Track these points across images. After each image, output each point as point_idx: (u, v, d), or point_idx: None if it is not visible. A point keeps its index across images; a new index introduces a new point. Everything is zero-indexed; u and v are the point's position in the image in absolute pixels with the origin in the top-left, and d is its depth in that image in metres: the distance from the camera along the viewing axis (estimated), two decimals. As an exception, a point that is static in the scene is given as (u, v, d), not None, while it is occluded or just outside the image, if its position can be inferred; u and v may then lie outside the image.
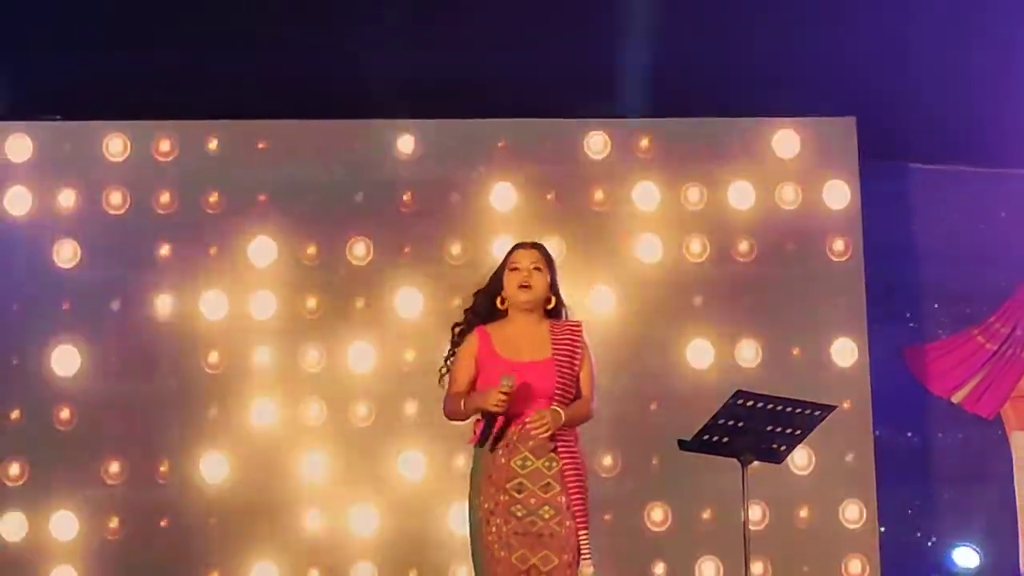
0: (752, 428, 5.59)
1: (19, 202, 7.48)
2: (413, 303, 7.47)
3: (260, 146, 7.55)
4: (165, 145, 7.52)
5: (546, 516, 5.04)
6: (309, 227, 7.50)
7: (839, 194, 7.60)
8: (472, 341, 5.20)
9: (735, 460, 5.66)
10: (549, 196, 7.56)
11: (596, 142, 7.62)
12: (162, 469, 7.36)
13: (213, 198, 7.51)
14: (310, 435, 7.39)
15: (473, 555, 5.09)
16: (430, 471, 7.36)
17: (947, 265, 7.92)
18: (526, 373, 5.07)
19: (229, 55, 7.40)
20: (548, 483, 5.07)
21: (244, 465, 7.36)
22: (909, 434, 7.85)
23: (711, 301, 7.53)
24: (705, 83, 7.50)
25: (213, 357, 7.42)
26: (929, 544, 7.79)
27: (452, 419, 5.25)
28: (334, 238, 7.50)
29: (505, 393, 4.94)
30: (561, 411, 5.07)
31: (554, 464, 5.08)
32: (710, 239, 7.58)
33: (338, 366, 7.44)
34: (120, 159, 7.53)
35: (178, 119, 7.53)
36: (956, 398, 7.90)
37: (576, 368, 5.18)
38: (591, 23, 7.57)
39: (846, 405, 7.23)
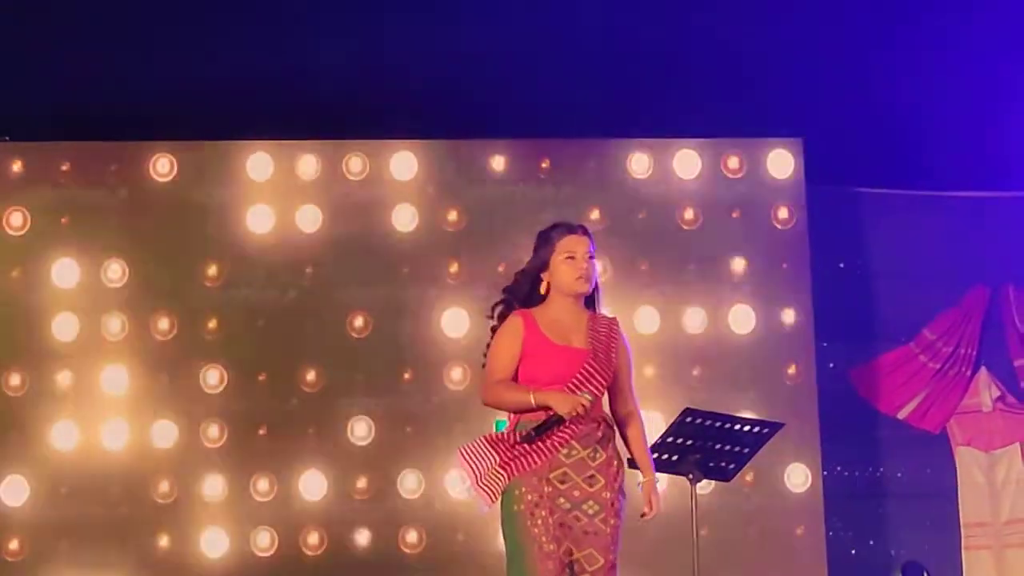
0: (700, 446, 5.65)
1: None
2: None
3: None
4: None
5: (590, 512, 4.83)
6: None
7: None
8: (516, 325, 4.95)
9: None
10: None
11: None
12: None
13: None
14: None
15: (514, 547, 4.80)
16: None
17: (892, 287, 8.04)
18: (578, 360, 4.91)
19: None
20: (593, 475, 4.85)
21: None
22: (856, 458, 7.95)
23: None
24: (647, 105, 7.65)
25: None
26: (878, 559, 7.90)
27: (494, 407, 5.02)
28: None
29: (584, 407, 4.76)
30: (652, 476, 4.94)
31: (599, 455, 4.87)
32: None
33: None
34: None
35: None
36: (902, 414, 8.00)
37: (614, 362, 4.97)
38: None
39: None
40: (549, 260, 5.00)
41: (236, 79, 7.54)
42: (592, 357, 4.93)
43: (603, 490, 4.86)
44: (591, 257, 5.01)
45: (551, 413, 4.82)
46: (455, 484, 7.32)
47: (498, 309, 5.08)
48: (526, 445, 4.83)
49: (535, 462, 4.84)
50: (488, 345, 5.06)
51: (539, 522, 4.79)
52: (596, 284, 5.05)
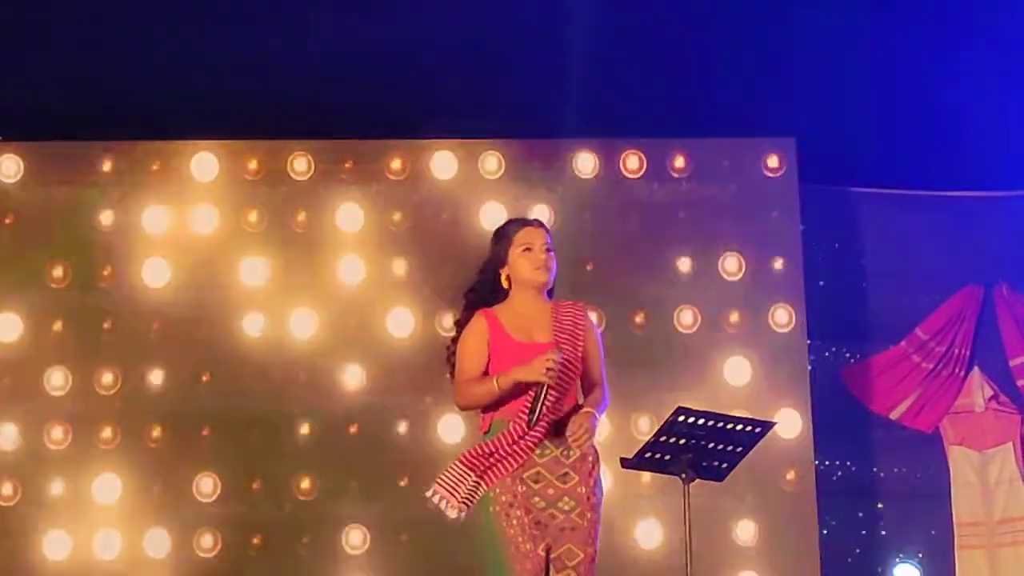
0: (693, 445, 5.62)
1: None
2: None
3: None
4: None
5: (566, 508, 4.86)
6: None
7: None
8: (480, 325, 4.95)
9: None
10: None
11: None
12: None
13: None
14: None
15: (491, 549, 4.82)
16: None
17: (885, 286, 8.04)
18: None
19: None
20: (567, 472, 4.88)
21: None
22: (849, 458, 7.94)
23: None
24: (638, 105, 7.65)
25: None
26: (871, 558, 7.89)
27: (469, 407, 4.99)
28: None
29: (553, 360, 4.72)
30: (593, 410, 4.89)
31: (572, 452, 4.88)
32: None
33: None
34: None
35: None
36: (895, 414, 8.00)
37: (579, 350, 4.96)
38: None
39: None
40: (507, 254, 5.02)
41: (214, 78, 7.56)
42: (557, 346, 4.89)
43: (577, 485, 4.89)
44: (548, 249, 5.02)
45: (532, 390, 4.79)
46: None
47: (464, 315, 5.06)
48: (500, 452, 4.83)
49: (511, 466, 4.84)
50: (451, 342, 5.06)
51: (514, 522, 4.82)
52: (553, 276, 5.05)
